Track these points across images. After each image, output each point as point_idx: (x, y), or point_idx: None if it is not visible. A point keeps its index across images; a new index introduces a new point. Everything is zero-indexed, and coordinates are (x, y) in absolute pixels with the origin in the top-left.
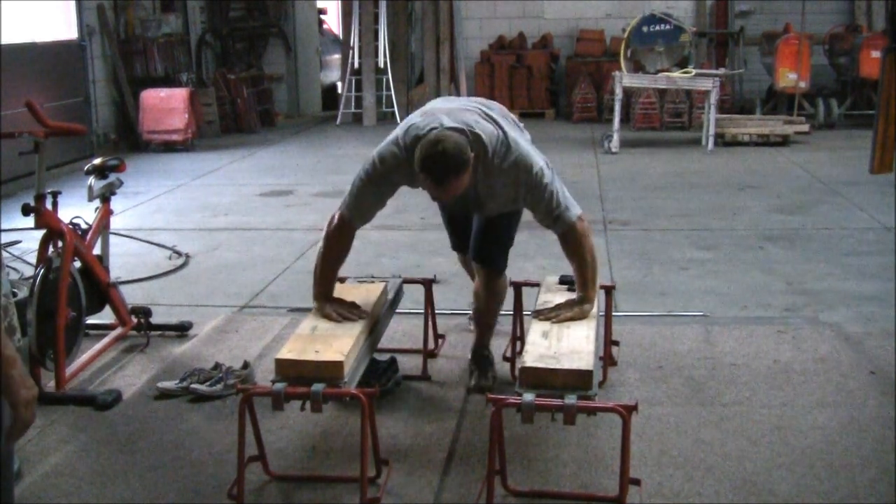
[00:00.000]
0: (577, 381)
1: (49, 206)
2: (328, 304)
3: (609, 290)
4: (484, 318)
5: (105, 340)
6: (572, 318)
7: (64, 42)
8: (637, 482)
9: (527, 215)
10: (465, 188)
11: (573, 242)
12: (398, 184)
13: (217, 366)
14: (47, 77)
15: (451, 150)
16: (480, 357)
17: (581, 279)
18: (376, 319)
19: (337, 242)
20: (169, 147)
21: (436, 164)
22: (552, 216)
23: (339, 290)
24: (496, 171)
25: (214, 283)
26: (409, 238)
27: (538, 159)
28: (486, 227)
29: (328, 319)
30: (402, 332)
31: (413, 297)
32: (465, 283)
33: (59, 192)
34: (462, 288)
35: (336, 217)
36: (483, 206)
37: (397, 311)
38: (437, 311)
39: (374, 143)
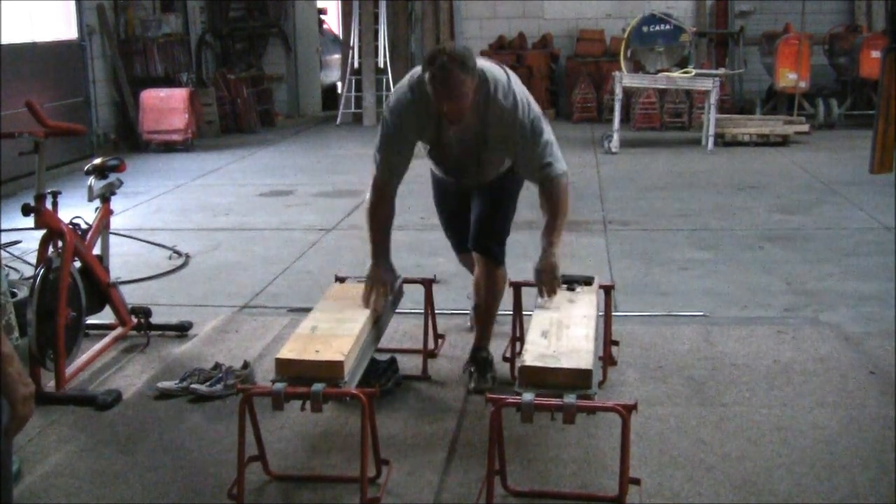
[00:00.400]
0: (577, 379)
1: (49, 206)
2: (379, 267)
3: (608, 290)
4: (483, 313)
5: (105, 340)
6: (554, 277)
7: (64, 42)
8: (637, 482)
9: (525, 214)
10: (467, 124)
11: (554, 194)
12: (412, 128)
13: (217, 366)
14: (47, 77)
15: (457, 48)
16: (480, 358)
17: (552, 228)
18: (376, 319)
19: (379, 205)
20: (169, 147)
21: (440, 57)
22: (541, 163)
23: (339, 291)
24: (497, 109)
25: (214, 283)
26: (410, 238)
27: (536, 109)
28: (482, 217)
29: (368, 283)
30: (403, 332)
31: (413, 298)
32: (465, 283)
33: (59, 192)
34: (462, 288)
35: (372, 183)
36: (482, 157)
37: (397, 311)
38: (437, 311)
39: (374, 143)
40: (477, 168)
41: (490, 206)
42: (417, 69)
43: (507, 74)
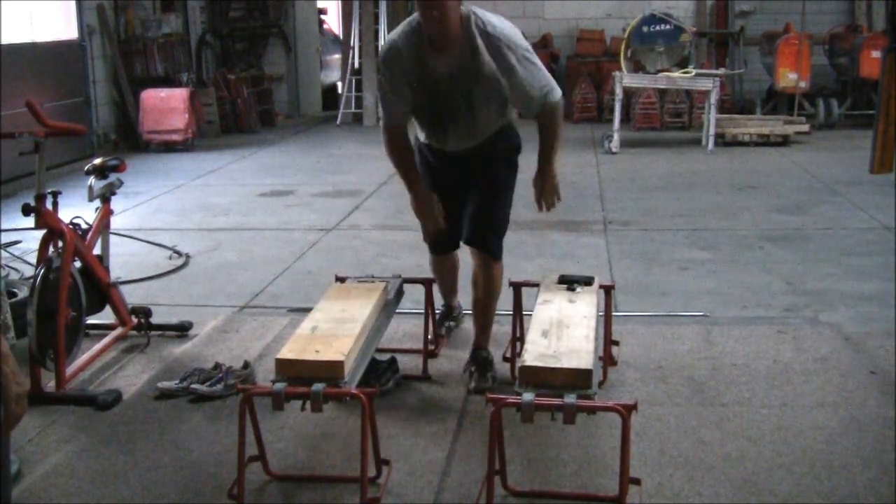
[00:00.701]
0: (577, 380)
1: (49, 206)
2: (420, 194)
3: (609, 290)
4: (481, 311)
5: (105, 340)
6: (555, 192)
7: (64, 42)
8: (637, 482)
9: (525, 214)
10: (457, 57)
11: (553, 119)
12: (403, 67)
13: (217, 366)
14: (47, 77)
15: None
16: (480, 358)
17: (551, 149)
18: (376, 319)
19: (395, 147)
20: (169, 147)
21: None
22: (542, 92)
23: (340, 291)
24: (487, 40)
25: (214, 284)
26: (410, 238)
27: (527, 43)
28: (480, 210)
29: (419, 212)
30: (403, 332)
31: (413, 297)
32: (464, 282)
33: (60, 193)
34: (462, 288)
35: (382, 129)
36: (473, 96)
37: (397, 311)
38: (437, 311)
39: (374, 143)
40: (469, 116)
41: (488, 198)
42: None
43: (496, 15)
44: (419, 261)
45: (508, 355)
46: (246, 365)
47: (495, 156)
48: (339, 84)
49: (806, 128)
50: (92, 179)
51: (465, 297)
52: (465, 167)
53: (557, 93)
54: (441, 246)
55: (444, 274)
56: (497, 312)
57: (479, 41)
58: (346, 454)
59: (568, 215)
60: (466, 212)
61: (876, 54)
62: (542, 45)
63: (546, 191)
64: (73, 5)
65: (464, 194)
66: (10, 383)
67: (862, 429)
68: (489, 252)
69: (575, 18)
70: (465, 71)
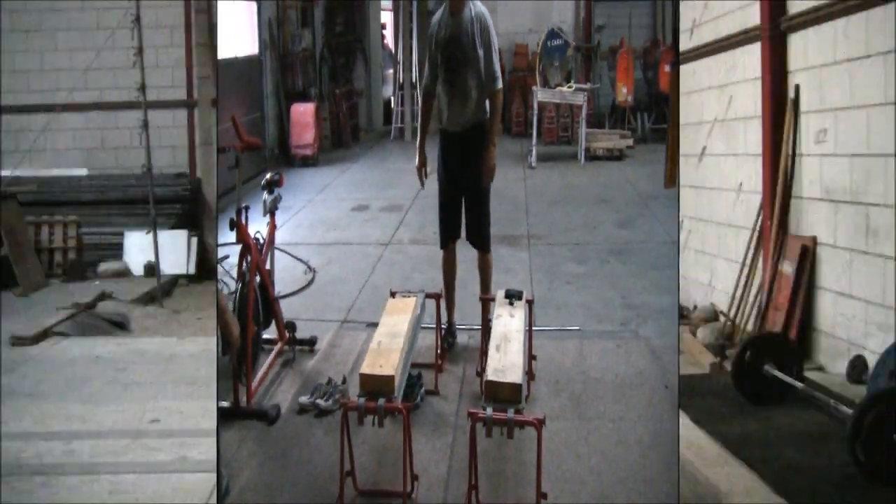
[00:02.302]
0: (513, 394)
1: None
2: (423, 154)
3: (531, 305)
4: (487, 287)
5: (272, 354)
6: (493, 169)
7: (250, 57)
8: (544, 496)
9: (504, 228)
10: (463, 21)
11: (499, 103)
12: (432, 36)
13: (329, 381)
14: (237, 92)
15: None
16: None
17: (494, 126)
18: (412, 332)
19: (424, 109)
20: (304, 161)
21: None
22: (497, 75)
23: (393, 306)
24: (483, 17)
25: (326, 298)
26: (428, 252)
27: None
28: (478, 220)
29: (418, 166)
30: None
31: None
32: (467, 293)
33: (248, 207)
34: (465, 298)
35: (420, 94)
36: (469, 61)
37: None
38: (443, 326)
39: (411, 157)
40: (461, 81)
41: (479, 201)
42: None
43: None
44: (436, 276)
45: (479, 370)
46: (344, 380)
47: (477, 154)
48: (392, 99)
49: (630, 142)
50: (265, 194)
51: (465, 300)
52: (459, 155)
53: (500, 82)
54: (448, 240)
55: (450, 270)
56: (469, 326)
57: (473, 14)
58: (380, 466)
59: (507, 230)
60: (466, 212)
61: (668, 68)
62: None
63: (487, 168)
64: (255, 19)
65: (462, 187)
66: (230, 327)
67: (664, 443)
68: (488, 248)
69: (513, 33)
70: (463, 34)
